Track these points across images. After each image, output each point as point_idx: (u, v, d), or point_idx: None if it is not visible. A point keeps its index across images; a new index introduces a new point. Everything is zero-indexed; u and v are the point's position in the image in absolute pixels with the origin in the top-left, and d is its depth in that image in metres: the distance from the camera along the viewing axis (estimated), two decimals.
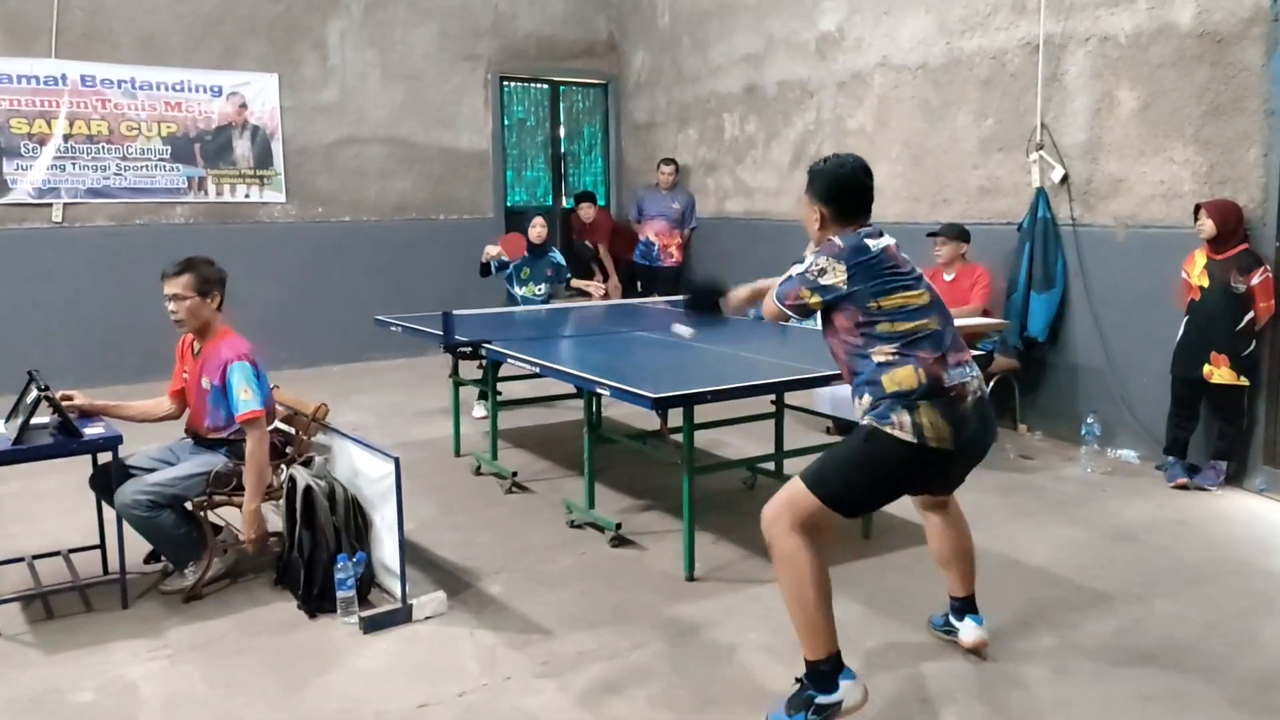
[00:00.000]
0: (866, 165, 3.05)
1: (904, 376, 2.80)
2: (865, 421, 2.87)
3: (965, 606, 3.31)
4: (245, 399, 3.74)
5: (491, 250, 6.75)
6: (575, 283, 7.11)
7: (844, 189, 2.99)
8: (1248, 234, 5.00)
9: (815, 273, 2.88)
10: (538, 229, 6.91)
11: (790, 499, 2.85)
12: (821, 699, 2.77)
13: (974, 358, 4.78)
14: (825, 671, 2.78)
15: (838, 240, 2.92)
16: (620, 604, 3.75)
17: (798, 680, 2.83)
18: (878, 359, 2.85)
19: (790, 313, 2.98)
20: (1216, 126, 5.19)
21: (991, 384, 6.05)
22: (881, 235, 2.97)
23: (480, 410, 6.55)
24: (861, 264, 2.85)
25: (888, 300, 2.86)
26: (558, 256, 7.09)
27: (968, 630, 3.28)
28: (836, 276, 2.85)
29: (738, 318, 3.65)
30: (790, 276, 2.95)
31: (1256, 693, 3.06)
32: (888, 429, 2.79)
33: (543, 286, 6.93)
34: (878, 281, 2.85)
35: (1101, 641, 3.41)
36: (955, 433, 2.80)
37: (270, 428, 4.02)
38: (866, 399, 2.88)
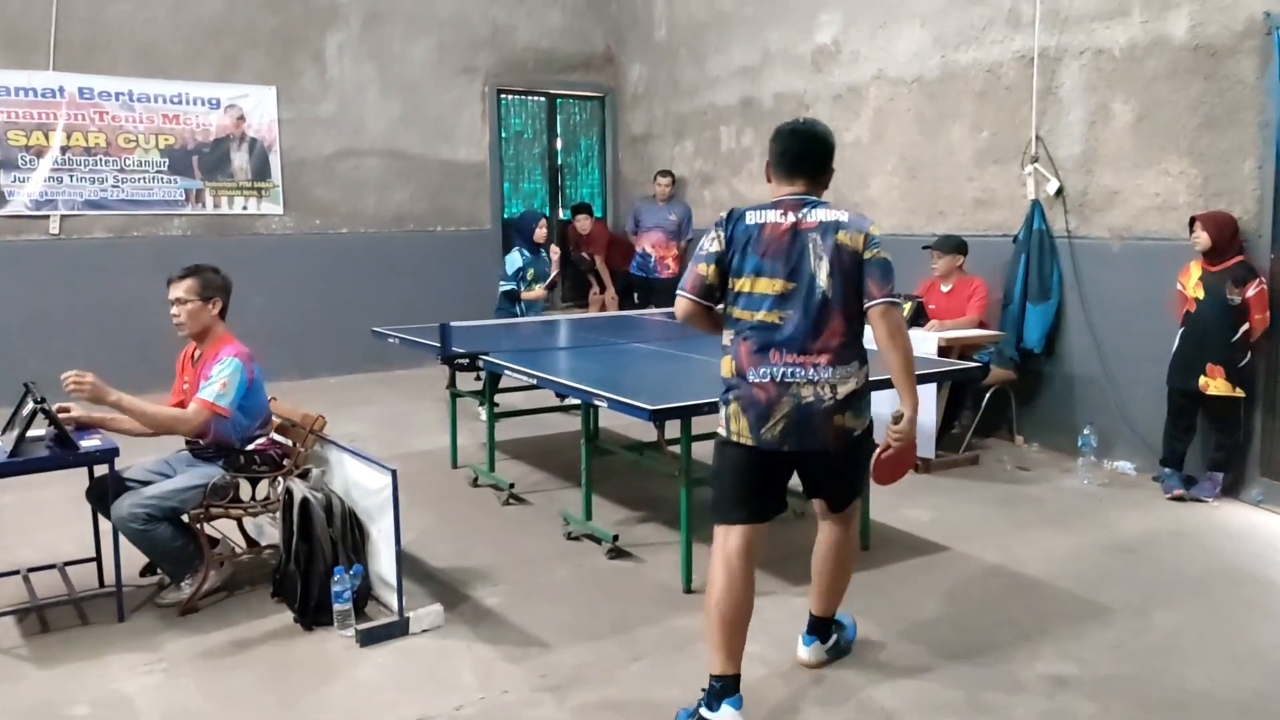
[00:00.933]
0: (814, 129, 3.00)
1: (725, 365, 2.91)
2: None
3: (811, 626, 3.30)
4: (218, 389, 3.76)
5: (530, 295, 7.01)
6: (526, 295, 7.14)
7: (777, 140, 3.00)
8: (1243, 246, 5.02)
9: (705, 243, 2.93)
10: (543, 230, 7.13)
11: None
12: (704, 712, 2.86)
13: (971, 369, 4.89)
14: (715, 688, 2.85)
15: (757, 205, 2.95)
16: (618, 616, 3.75)
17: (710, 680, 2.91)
18: (723, 343, 2.95)
19: (692, 296, 2.90)
20: (1211, 139, 5.21)
21: (988, 396, 6.06)
22: (792, 209, 2.87)
23: (483, 413, 6.56)
24: (735, 234, 2.87)
25: (739, 281, 2.87)
26: (546, 256, 7.25)
27: (800, 648, 3.30)
28: (716, 245, 2.88)
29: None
30: (689, 267, 2.97)
31: (1255, 702, 3.05)
32: (720, 419, 2.93)
33: (538, 287, 7.04)
34: (739, 259, 2.86)
35: (1099, 653, 3.41)
36: (752, 429, 2.83)
37: (266, 438, 4.03)
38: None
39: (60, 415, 3.64)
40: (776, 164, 2.97)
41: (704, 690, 2.90)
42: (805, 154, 2.95)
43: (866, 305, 2.86)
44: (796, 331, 2.82)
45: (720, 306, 2.97)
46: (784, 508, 3.07)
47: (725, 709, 2.81)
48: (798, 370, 2.81)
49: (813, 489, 3.15)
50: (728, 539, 2.93)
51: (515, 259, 7.04)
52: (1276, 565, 4.24)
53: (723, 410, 2.92)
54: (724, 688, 2.83)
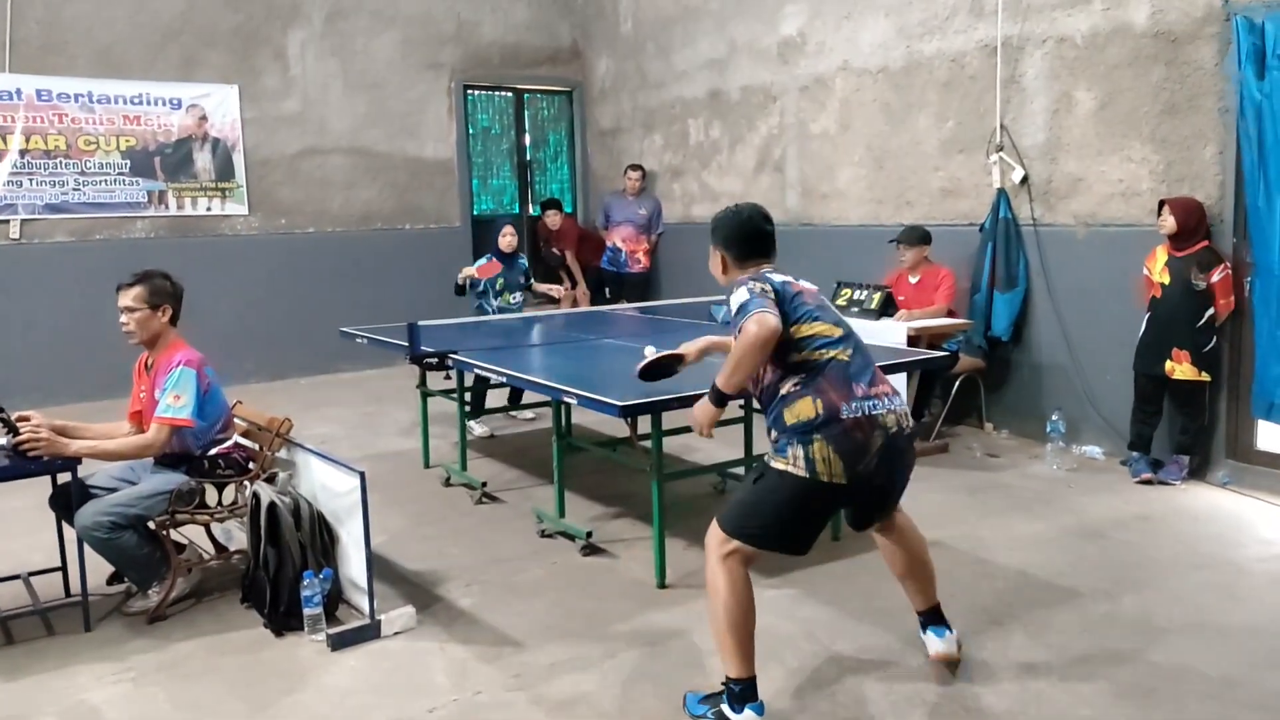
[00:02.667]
0: (765, 212, 3.17)
1: (802, 408, 2.83)
2: (765, 459, 2.92)
3: (929, 619, 3.25)
4: (171, 404, 3.72)
5: (468, 271, 6.71)
6: (538, 286, 7.08)
7: (740, 233, 3.12)
8: (1209, 231, 5.07)
9: (756, 292, 2.87)
10: (508, 238, 6.84)
11: (718, 540, 2.90)
12: (728, 713, 2.86)
13: (939, 358, 4.91)
14: (735, 691, 2.85)
15: (743, 276, 3.02)
16: (592, 613, 3.74)
17: (723, 684, 2.90)
18: (783, 390, 2.89)
19: (775, 315, 2.81)
20: (1173, 125, 5.26)
21: (957, 384, 6.10)
22: (787, 277, 3.05)
23: (481, 429, 6.53)
24: (776, 289, 2.92)
25: (799, 329, 2.90)
26: (524, 261, 7.07)
27: (931, 642, 3.23)
28: (766, 294, 2.88)
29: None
30: (743, 305, 2.85)
31: (1223, 687, 3.09)
32: (779, 464, 2.83)
33: (518, 295, 6.90)
34: (792, 307, 2.92)
35: (1070, 638, 3.43)
36: (848, 466, 2.79)
37: (231, 443, 3.98)
38: (771, 434, 2.93)
39: (19, 424, 3.57)
40: (751, 249, 3.11)
41: (723, 685, 2.90)
42: (773, 234, 3.16)
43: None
44: (864, 368, 2.91)
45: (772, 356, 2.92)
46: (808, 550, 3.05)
47: (750, 714, 2.83)
48: (878, 402, 2.87)
49: (865, 517, 3.15)
50: (746, 559, 2.89)
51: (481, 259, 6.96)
52: (1243, 547, 4.29)
53: (795, 450, 2.81)
54: (744, 691, 2.85)
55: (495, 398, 6.54)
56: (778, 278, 3.00)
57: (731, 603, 2.83)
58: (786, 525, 2.89)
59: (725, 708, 2.87)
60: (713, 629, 2.91)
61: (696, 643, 3.46)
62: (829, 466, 2.78)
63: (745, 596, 2.86)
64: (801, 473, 2.80)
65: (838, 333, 2.94)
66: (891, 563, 3.26)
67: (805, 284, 3.09)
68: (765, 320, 2.77)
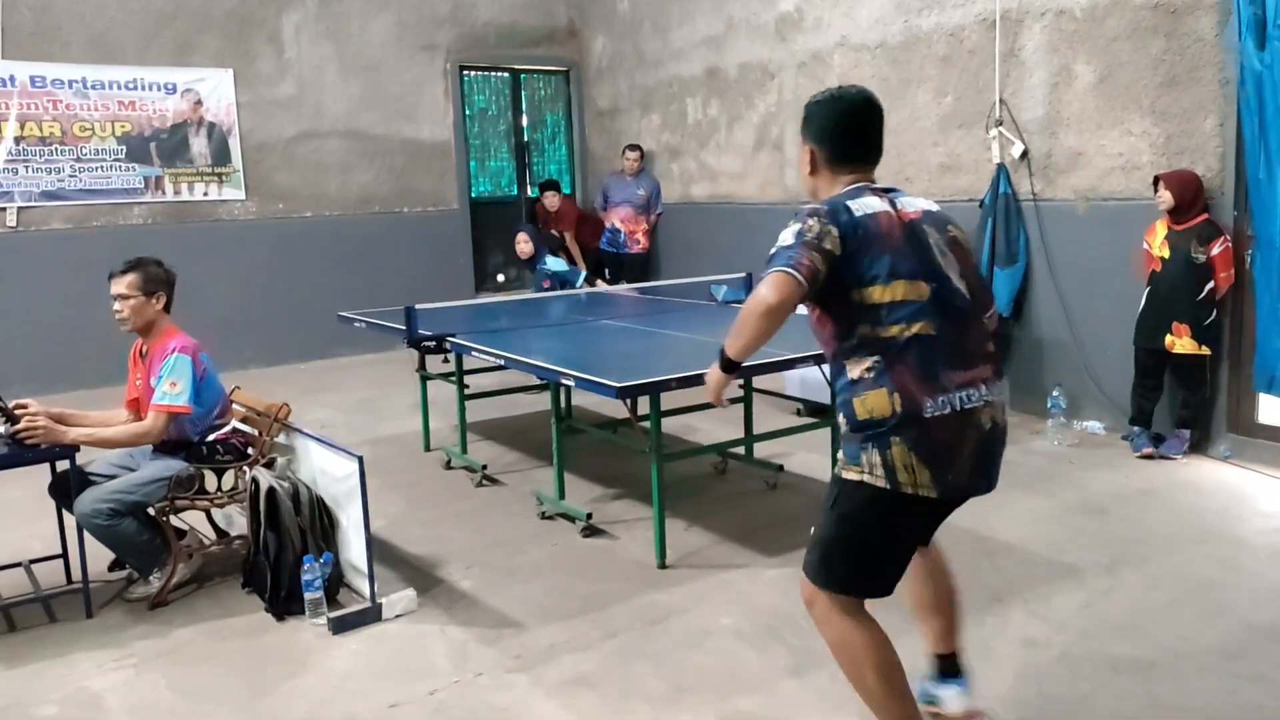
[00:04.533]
0: (873, 99, 2.47)
1: (876, 403, 2.23)
2: (836, 469, 2.38)
3: (947, 668, 2.69)
4: (168, 391, 3.71)
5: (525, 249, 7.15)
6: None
7: (838, 125, 2.46)
8: (1208, 204, 5.03)
9: (810, 233, 2.24)
10: (523, 245, 7.28)
11: (809, 596, 2.42)
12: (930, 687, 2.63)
13: None
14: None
15: (827, 198, 2.39)
16: (592, 594, 3.74)
17: None
18: (851, 374, 2.29)
19: (803, 278, 2.19)
20: (1173, 97, 5.22)
21: None
22: (885, 195, 2.38)
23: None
24: (849, 230, 2.25)
25: (869, 293, 2.25)
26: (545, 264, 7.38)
27: (950, 699, 2.66)
28: (830, 240, 2.23)
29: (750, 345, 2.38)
30: (779, 250, 2.26)
31: (1223, 661, 3.09)
32: (853, 475, 2.28)
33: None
34: (868, 260, 2.25)
35: (1070, 613, 3.43)
36: (936, 476, 2.22)
37: (229, 428, 3.98)
38: (842, 423, 2.35)
39: (19, 412, 3.56)
40: (848, 146, 2.45)
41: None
42: (880, 129, 2.48)
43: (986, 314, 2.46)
44: (955, 344, 2.27)
45: (834, 323, 2.35)
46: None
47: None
48: (972, 393, 2.25)
49: (931, 532, 2.56)
50: (850, 606, 2.36)
51: (557, 263, 7.30)
52: (1244, 521, 4.29)
53: (871, 455, 2.24)
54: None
55: (497, 379, 6.53)
56: (863, 209, 2.29)
57: (869, 653, 2.32)
58: (880, 557, 2.33)
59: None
60: (860, 693, 2.40)
61: (696, 623, 3.46)
62: (913, 475, 2.21)
63: (881, 642, 2.34)
64: (881, 483, 2.24)
65: (925, 292, 2.25)
66: (919, 591, 2.66)
67: (910, 205, 2.38)
68: (781, 284, 2.19)
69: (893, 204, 2.37)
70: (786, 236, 2.27)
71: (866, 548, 2.33)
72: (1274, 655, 3.12)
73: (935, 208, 2.47)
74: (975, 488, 2.33)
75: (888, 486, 2.23)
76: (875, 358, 2.25)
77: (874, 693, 2.34)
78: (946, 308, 2.28)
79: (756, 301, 2.23)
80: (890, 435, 2.22)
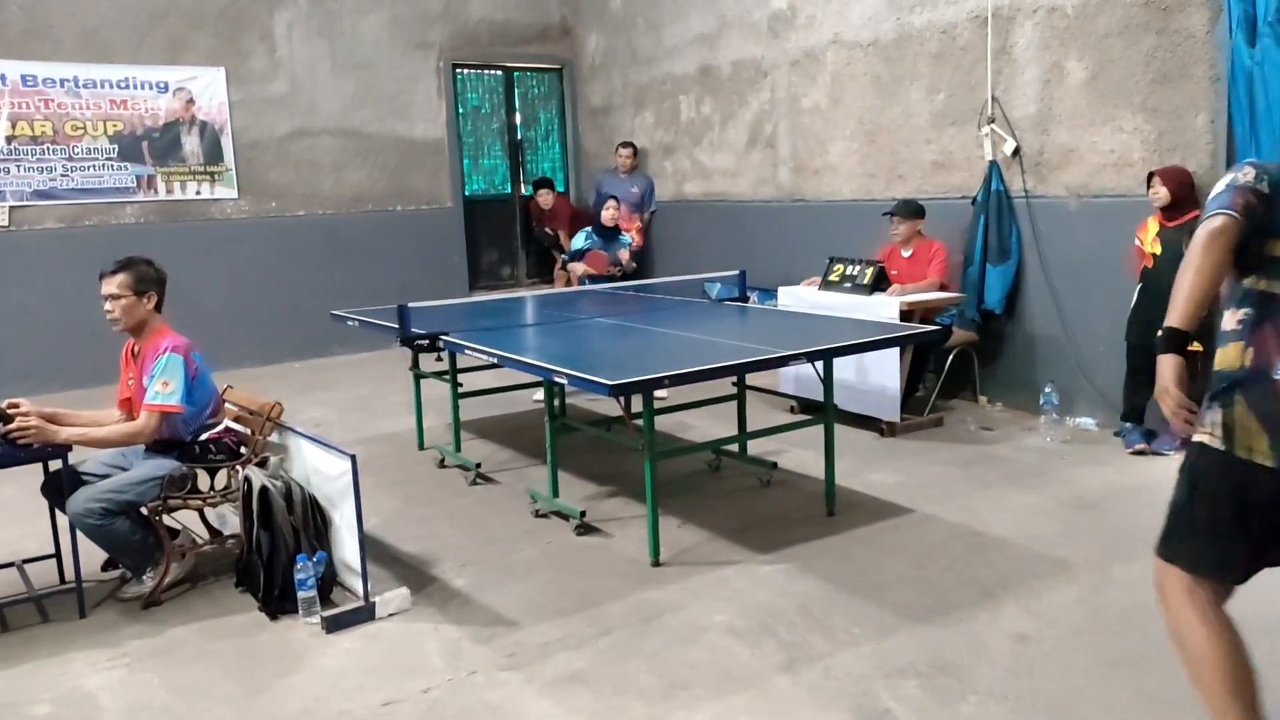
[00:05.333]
0: None
1: (1229, 355, 2.20)
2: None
3: None
4: (160, 390, 3.71)
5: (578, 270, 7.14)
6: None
7: None
8: (1199, 201, 5.05)
9: (1245, 177, 2.24)
10: (609, 211, 7.25)
11: (1158, 573, 2.33)
12: None
13: (933, 332, 4.90)
14: None
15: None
16: (586, 592, 3.74)
17: None
18: (1225, 325, 2.25)
19: (1237, 214, 2.17)
20: (1164, 94, 5.23)
21: (951, 358, 6.10)
22: None
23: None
24: (1268, 180, 2.24)
25: (1274, 244, 2.19)
26: (625, 237, 7.41)
27: None
28: (1264, 183, 2.22)
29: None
30: (1212, 198, 2.27)
31: None
32: (1200, 437, 2.21)
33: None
34: (1276, 212, 2.20)
35: (1063, 608, 3.45)
36: (1274, 443, 2.08)
37: (222, 427, 3.97)
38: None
39: (11, 411, 3.56)
40: None
41: None
42: None
43: None
44: None
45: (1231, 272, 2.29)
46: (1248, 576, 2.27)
47: None
48: None
49: (1264, 553, 2.26)
50: (1201, 593, 2.23)
51: (579, 239, 7.26)
52: None
53: (1213, 414, 2.19)
54: None
55: (491, 378, 6.53)
56: None
57: (1211, 652, 2.18)
58: (1215, 526, 2.20)
59: None
60: (1198, 690, 2.27)
61: (691, 619, 3.47)
62: (1247, 437, 2.11)
63: (1230, 645, 2.19)
64: (1219, 444, 2.16)
65: None
66: (1229, 662, 2.22)
67: None
68: (1210, 223, 2.18)
69: None
70: (1219, 185, 2.27)
71: (1204, 517, 2.22)
72: (1265, 650, 3.12)
73: None
74: None
75: (1224, 449, 2.16)
76: (1249, 310, 2.21)
77: (1209, 691, 2.20)
78: None
79: (1193, 247, 2.20)
80: (1234, 392, 2.16)
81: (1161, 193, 5.03)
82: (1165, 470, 4.89)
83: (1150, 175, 5.11)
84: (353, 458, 3.51)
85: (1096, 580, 3.67)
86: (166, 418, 3.74)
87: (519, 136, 10.26)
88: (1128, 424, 5.30)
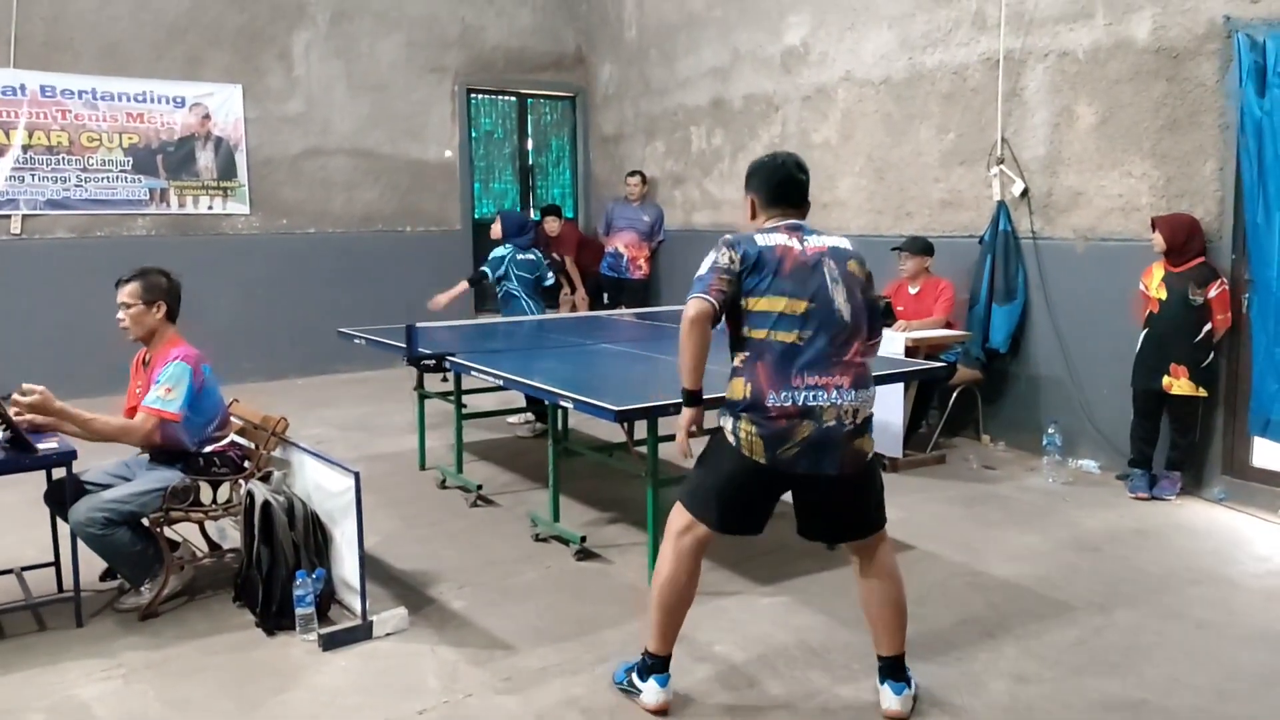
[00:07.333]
0: (800, 162, 3.12)
1: (735, 387, 2.89)
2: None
3: (889, 670, 3.02)
4: (161, 395, 3.71)
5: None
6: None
7: (771, 178, 3.08)
8: (1205, 247, 5.07)
9: (722, 259, 2.88)
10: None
11: (674, 514, 3.04)
12: (636, 681, 3.07)
13: (937, 369, 4.91)
14: (647, 664, 3.05)
15: (751, 231, 3.03)
16: (584, 617, 3.73)
17: (641, 654, 3.09)
18: (733, 362, 2.94)
19: (715, 300, 2.83)
20: (1173, 141, 5.27)
21: (955, 395, 6.10)
22: (795, 233, 2.95)
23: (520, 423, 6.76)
24: (747, 254, 2.87)
25: (753, 302, 2.86)
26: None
27: (887, 698, 3.00)
28: (732, 262, 2.87)
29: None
30: (698, 278, 2.90)
31: (1215, 702, 3.08)
32: (725, 428, 2.92)
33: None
34: (753, 279, 2.86)
35: (1063, 651, 3.43)
36: (768, 449, 2.82)
37: (227, 441, 3.98)
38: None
39: (24, 399, 3.56)
40: (775, 195, 3.06)
41: (641, 656, 3.09)
42: (804, 184, 3.10)
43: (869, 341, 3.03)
44: (819, 353, 2.83)
45: (733, 326, 2.96)
46: (759, 531, 3.04)
47: (653, 683, 3.03)
48: (820, 393, 2.81)
49: (810, 519, 3.06)
50: (689, 532, 2.99)
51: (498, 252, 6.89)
52: (1237, 563, 4.29)
53: (731, 423, 2.89)
54: (655, 664, 3.03)
55: (491, 400, 6.53)
56: (766, 241, 2.92)
57: (668, 583, 2.98)
58: (724, 495, 2.94)
59: (634, 676, 3.08)
60: (651, 600, 3.03)
61: (688, 649, 3.45)
62: (751, 445, 2.84)
63: (683, 582, 2.98)
64: (729, 436, 2.90)
65: (799, 309, 2.84)
66: (865, 601, 3.08)
67: (817, 242, 2.96)
68: (694, 305, 2.83)
69: (801, 240, 2.95)
70: (704, 265, 2.91)
71: (718, 489, 2.95)
72: (1266, 699, 3.11)
73: (843, 244, 3.03)
74: (801, 466, 2.84)
75: (735, 446, 2.88)
76: (746, 354, 2.89)
77: (653, 604, 3.02)
78: (820, 325, 2.85)
79: (683, 323, 2.85)
80: (741, 413, 2.86)
81: (1157, 240, 5.07)
82: (1168, 516, 4.90)
83: (1153, 222, 5.14)
84: (356, 475, 3.51)
85: (1098, 623, 3.66)
86: (162, 424, 3.74)
87: (530, 162, 10.32)
88: (1137, 470, 5.25)
